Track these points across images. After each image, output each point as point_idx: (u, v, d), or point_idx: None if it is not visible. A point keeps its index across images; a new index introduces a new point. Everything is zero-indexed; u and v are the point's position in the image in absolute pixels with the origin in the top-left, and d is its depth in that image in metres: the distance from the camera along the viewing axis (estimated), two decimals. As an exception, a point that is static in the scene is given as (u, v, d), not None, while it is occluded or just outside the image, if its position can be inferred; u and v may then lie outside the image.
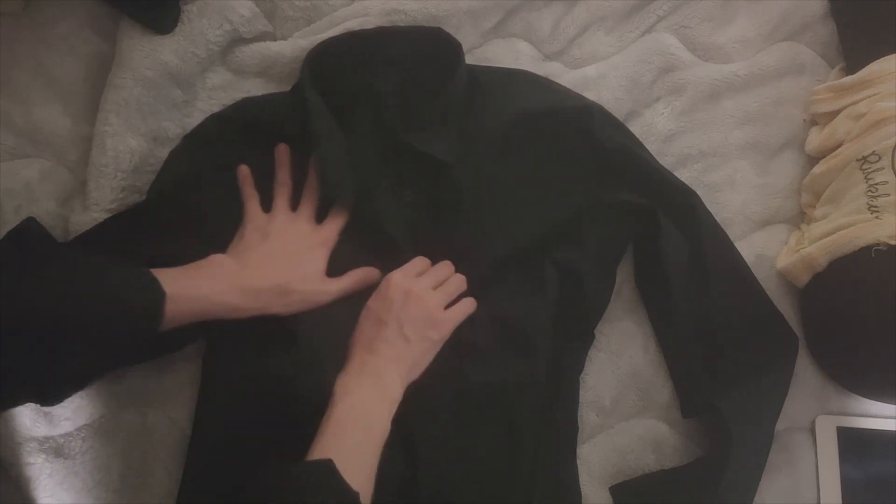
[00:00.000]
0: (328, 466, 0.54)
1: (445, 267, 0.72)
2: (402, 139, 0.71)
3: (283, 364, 0.67)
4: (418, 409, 0.65)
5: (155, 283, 0.59)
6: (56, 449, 0.68)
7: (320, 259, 0.70)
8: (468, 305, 0.71)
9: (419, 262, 0.71)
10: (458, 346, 0.69)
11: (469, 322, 0.70)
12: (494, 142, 0.74)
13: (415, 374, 0.66)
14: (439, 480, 0.66)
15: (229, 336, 0.69)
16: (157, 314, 0.58)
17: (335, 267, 0.70)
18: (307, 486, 0.53)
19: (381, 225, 0.71)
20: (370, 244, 0.71)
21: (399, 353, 0.65)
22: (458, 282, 0.71)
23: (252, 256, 0.67)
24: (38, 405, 0.59)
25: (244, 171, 0.72)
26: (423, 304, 0.67)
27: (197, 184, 0.72)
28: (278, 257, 0.68)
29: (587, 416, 0.73)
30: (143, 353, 0.70)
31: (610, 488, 0.72)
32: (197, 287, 0.62)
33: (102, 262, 0.61)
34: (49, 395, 0.58)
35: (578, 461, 0.72)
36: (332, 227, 0.71)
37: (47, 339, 0.54)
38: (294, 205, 0.72)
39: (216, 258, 0.66)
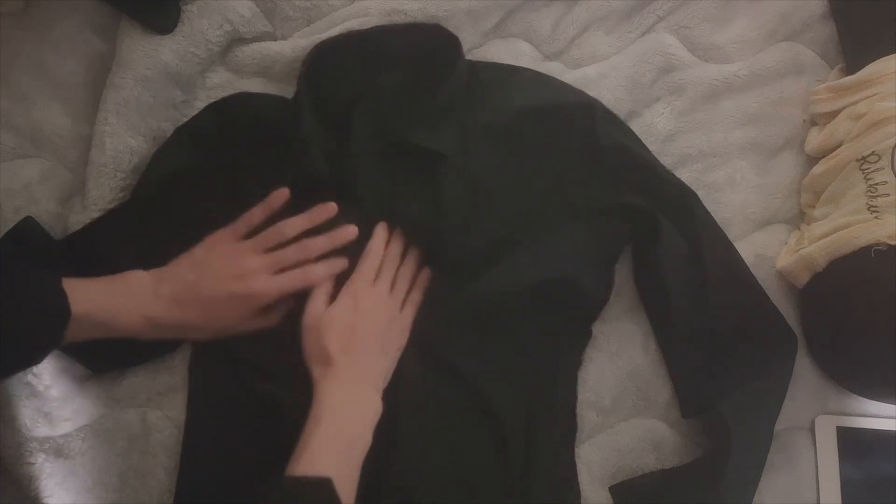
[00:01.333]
0: (328, 486, 0.54)
1: (392, 260, 0.70)
2: (401, 136, 0.71)
3: (267, 367, 0.67)
4: (400, 408, 0.66)
5: (64, 303, 0.58)
6: (56, 449, 0.68)
7: (239, 311, 0.66)
8: (417, 295, 0.71)
9: (372, 259, 0.69)
10: (440, 339, 0.69)
11: (454, 316, 0.70)
12: (494, 136, 0.74)
13: (385, 384, 0.66)
14: (422, 480, 0.66)
15: (213, 344, 0.70)
16: (59, 334, 0.59)
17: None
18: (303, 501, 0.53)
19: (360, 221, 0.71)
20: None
21: (377, 365, 0.66)
22: (405, 277, 0.71)
23: (171, 285, 0.65)
24: None
25: (282, 193, 0.70)
26: (387, 314, 0.68)
27: (190, 180, 0.72)
28: (193, 296, 0.65)
29: (587, 415, 0.73)
30: (140, 355, 0.71)
31: (610, 488, 0.72)
32: (102, 309, 0.61)
33: (20, 273, 0.60)
34: None
35: (578, 461, 0.72)
36: (279, 284, 0.67)
37: None
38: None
39: (134, 276, 0.65)
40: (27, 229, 0.69)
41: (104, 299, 0.62)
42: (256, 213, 0.70)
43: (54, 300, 0.58)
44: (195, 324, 0.65)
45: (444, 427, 0.68)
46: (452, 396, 0.69)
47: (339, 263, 0.69)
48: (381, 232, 0.71)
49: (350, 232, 0.70)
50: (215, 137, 0.74)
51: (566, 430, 0.72)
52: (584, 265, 0.73)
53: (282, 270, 0.67)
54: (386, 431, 0.65)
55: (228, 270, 0.66)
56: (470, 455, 0.68)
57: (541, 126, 0.74)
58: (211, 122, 0.74)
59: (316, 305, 0.66)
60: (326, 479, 0.54)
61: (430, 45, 0.74)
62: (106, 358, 0.70)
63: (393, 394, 0.67)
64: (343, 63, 0.73)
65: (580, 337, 0.74)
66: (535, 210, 0.73)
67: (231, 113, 0.74)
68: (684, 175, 0.78)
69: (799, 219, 0.79)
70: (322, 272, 0.68)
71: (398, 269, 0.71)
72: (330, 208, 0.70)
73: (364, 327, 0.65)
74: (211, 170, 0.73)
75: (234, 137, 0.74)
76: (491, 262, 0.72)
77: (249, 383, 0.68)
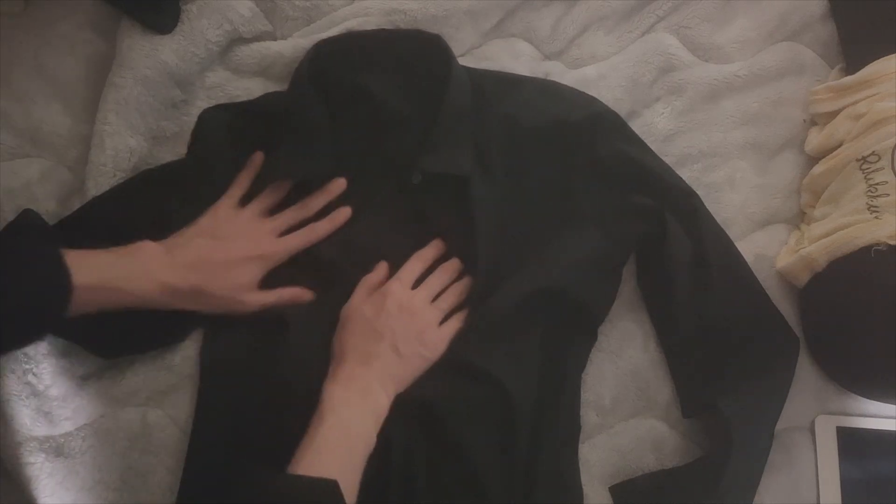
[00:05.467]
0: (335, 488, 0.54)
1: (444, 273, 0.71)
2: (416, 165, 0.71)
3: (277, 365, 0.67)
4: (411, 404, 0.66)
5: (65, 276, 0.59)
6: (56, 448, 0.68)
7: (253, 272, 0.68)
8: (458, 321, 0.70)
9: (416, 264, 0.70)
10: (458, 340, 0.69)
11: (472, 319, 0.70)
12: (504, 153, 0.74)
13: (401, 388, 0.66)
14: (432, 478, 0.66)
15: (225, 337, 0.70)
16: (63, 304, 0.59)
17: (303, 270, 0.71)
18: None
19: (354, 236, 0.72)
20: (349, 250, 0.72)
21: (390, 369, 0.65)
22: (456, 293, 0.71)
23: (185, 252, 0.66)
24: None
25: (257, 157, 0.73)
26: (418, 321, 0.68)
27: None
28: (209, 260, 0.67)
29: (587, 415, 0.73)
30: (146, 342, 0.71)
31: (610, 488, 0.72)
32: (113, 277, 0.62)
33: (20, 248, 0.61)
34: None
35: (578, 461, 0.72)
36: (286, 244, 0.70)
37: None
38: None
39: (146, 246, 0.66)
40: (28, 222, 0.69)
41: (116, 267, 0.63)
42: (244, 178, 0.72)
43: (55, 271, 0.59)
44: (209, 289, 0.66)
45: (453, 423, 0.67)
46: (467, 392, 0.68)
47: (344, 213, 0.72)
48: (437, 244, 0.72)
49: (344, 213, 0.72)
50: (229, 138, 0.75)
51: (570, 430, 0.72)
52: (595, 270, 0.73)
53: (284, 234, 0.71)
54: (392, 431, 0.64)
55: (238, 234, 0.69)
56: (477, 453, 0.67)
57: (546, 143, 0.74)
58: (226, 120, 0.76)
59: (353, 299, 0.68)
60: (333, 481, 0.54)
61: (422, 53, 0.74)
62: (116, 343, 0.69)
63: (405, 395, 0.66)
64: (338, 63, 0.73)
65: (586, 339, 0.74)
66: (545, 220, 0.74)
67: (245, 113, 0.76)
68: (684, 175, 0.78)
69: (799, 219, 0.79)
70: (325, 228, 0.71)
71: (450, 286, 0.71)
72: (345, 212, 0.72)
73: (385, 327, 0.66)
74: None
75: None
76: (497, 273, 0.72)
77: (262, 374, 0.68)
